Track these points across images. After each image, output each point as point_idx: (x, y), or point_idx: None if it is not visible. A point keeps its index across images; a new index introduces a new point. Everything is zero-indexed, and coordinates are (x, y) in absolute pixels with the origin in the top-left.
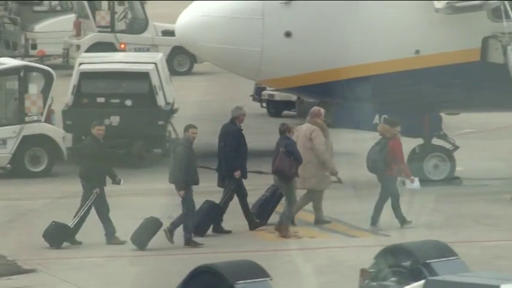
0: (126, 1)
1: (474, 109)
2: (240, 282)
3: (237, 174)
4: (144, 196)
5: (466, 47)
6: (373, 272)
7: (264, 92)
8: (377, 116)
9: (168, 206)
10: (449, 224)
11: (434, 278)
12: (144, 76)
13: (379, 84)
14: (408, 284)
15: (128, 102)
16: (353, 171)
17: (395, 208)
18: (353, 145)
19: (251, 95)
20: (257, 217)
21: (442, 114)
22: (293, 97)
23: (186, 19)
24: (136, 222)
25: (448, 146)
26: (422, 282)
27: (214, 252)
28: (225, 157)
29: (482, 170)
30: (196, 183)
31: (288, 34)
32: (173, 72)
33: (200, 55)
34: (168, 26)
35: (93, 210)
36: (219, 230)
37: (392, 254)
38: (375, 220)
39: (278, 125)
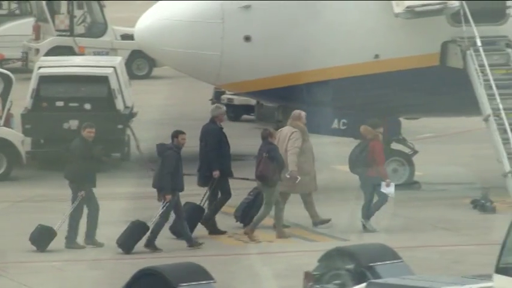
0: (85, 2)
1: (433, 114)
2: (184, 284)
3: (216, 174)
4: (105, 200)
5: (426, 52)
6: (316, 274)
7: (223, 96)
8: (336, 121)
9: (152, 208)
10: (408, 228)
11: (376, 280)
12: (103, 80)
13: (339, 88)
14: (351, 287)
15: (87, 106)
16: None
17: (364, 208)
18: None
19: (210, 99)
20: (241, 221)
21: (401, 119)
22: (252, 101)
23: (146, 23)
24: (102, 226)
25: (407, 150)
26: (364, 284)
27: (172, 256)
28: (206, 157)
29: (441, 174)
30: (183, 189)
31: (247, 38)
32: (132, 76)
33: (159, 59)
34: (127, 30)
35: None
36: (215, 232)
37: (336, 256)
38: (366, 215)
39: (237, 129)
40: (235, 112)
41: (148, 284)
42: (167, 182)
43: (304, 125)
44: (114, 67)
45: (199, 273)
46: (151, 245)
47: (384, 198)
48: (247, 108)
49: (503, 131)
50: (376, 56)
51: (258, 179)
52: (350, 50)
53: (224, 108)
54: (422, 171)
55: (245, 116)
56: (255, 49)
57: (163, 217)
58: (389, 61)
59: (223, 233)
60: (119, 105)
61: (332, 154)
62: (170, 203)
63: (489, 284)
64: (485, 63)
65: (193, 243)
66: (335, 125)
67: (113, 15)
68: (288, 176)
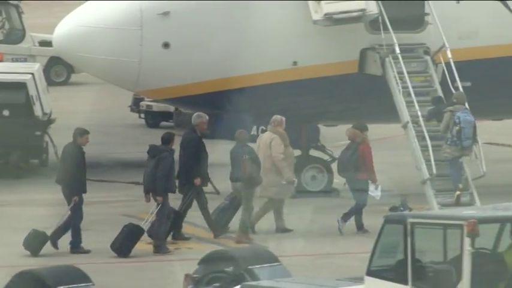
0: (3, 9)
1: (352, 121)
2: (61, 287)
3: (197, 181)
4: (24, 206)
5: (344, 59)
6: (196, 277)
7: (142, 103)
8: (255, 127)
9: (150, 211)
10: (328, 235)
11: (249, 283)
12: (21, 86)
13: (257, 95)
14: None
15: (5, 113)
16: (230, 183)
17: (353, 212)
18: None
19: (129, 106)
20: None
21: (320, 126)
22: (171, 108)
23: (64, 29)
24: (20, 232)
25: (326, 157)
26: (238, 287)
27: (91, 263)
28: (184, 165)
29: None
30: (175, 191)
31: (166, 45)
32: (50, 82)
33: (78, 66)
34: (45, 36)
35: None
36: (179, 237)
37: (216, 259)
38: (359, 224)
39: (156, 135)
40: (154, 119)
41: (26, 286)
42: (161, 184)
43: (283, 130)
44: (32, 73)
45: (78, 276)
46: (162, 249)
47: (361, 203)
48: (166, 115)
49: (421, 138)
50: (295, 63)
51: (243, 181)
52: (268, 57)
53: (206, 117)
54: (341, 178)
55: (164, 123)
56: (174, 56)
57: (163, 218)
58: (307, 68)
59: (187, 239)
60: (37, 111)
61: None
62: (164, 205)
63: (361, 286)
64: (404, 70)
65: (161, 250)
66: (254, 131)
67: (32, 21)
68: (285, 182)
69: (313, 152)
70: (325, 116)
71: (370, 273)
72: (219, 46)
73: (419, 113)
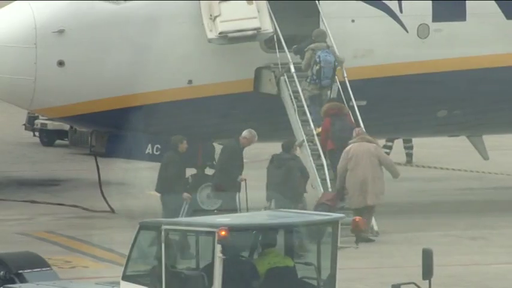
0: None
1: None
2: (25, 271)
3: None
4: None
5: (239, 78)
6: None
7: (37, 121)
8: (150, 146)
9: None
10: None
11: (10, 285)
12: None
13: (153, 113)
14: None
15: None
16: (126, 201)
17: None
18: (125, 175)
19: (23, 124)
20: None
21: (216, 144)
22: (66, 126)
23: None
24: None
25: None
26: None
27: None
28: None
29: (257, 199)
30: None
31: (60, 63)
32: None
33: None
34: None
35: None
36: None
37: None
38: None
39: (51, 153)
40: (49, 137)
41: None
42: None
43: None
44: None
45: (38, 261)
46: None
47: None
48: (61, 133)
49: (317, 157)
50: (190, 82)
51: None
52: (163, 76)
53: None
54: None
55: (59, 141)
56: (69, 74)
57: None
58: (202, 87)
59: None
60: None
61: (146, 179)
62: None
63: None
64: (299, 89)
65: None
66: (149, 150)
67: None
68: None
69: (209, 171)
70: (220, 134)
71: (126, 278)
72: (114, 64)
73: (314, 132)
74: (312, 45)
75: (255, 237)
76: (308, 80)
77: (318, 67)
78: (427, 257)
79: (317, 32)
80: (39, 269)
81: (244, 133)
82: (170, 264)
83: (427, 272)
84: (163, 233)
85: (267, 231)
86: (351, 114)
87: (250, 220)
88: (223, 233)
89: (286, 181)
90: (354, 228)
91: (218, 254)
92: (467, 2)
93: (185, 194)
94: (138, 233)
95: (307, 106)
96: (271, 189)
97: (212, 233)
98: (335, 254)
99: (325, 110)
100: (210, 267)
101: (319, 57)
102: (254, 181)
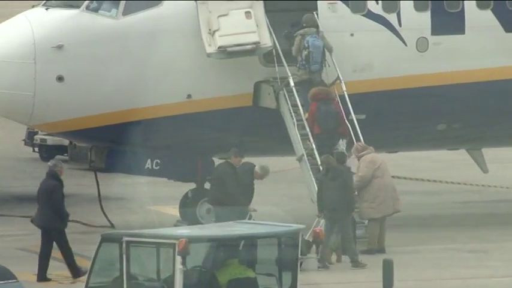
0: None
1: (248, 154)
2: None
3: None
4: None
5: (238, 92)
6: None
7: (36, 137)
8: (149, 161)
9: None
10: None
11: None
12: None
13: (152, 128)
14: None
15: None
16: (126, 216)
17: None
18: (124, 190)
19: (23, 140)
20: None
21: (215, 159)
22: (65, 141)
23: None
24: None
25: None
26: None
27: None
28: None
29: (256, 214)
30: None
31: (60, 78)
32: None
33: None
34: None
35: None
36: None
37: None
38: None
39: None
40: (49, 152)
41: None
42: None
43: None
44: None
45: (4, 273)
46: None
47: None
48: (61, 149)
49: (316, 171)
50: (189, 96)
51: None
52: (163, 90)
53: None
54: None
55: (58, 156)
56: (68, 89)
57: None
58: (202, 101)
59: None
60: None
61: (146, 194)
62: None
63: None
64: (298, 103)
65: None
66: (148, 165)
67: None
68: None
69: (208, 185)
70: (220, 149)
71: None
72: (114, 79)
73: (313, 146)
74: (301, 31)
75: (216, 248)
76: (298, 65)
77: (306, 52)
78: (388, 267)
79: (306, 18)
80: (4, 282)
81: (257, 168)
82: (131, 275)
83: (388, 283)
84: (124, 245)
85: (228, 242)
86: (338, 99)
87: (210, 232)
88: (183, 244)
89: (343, 192)
90: (314, 239)
91: (178, 266)
92: (466, 15)
93: (250, 207)
94: (100, 245)
95: (297, 91)
96: (326, 201)
97: (172, 245)
98: (296, 265)
99: (313, 94)
100: (170, 279)
101: (307, 42)
102: (254, 195)
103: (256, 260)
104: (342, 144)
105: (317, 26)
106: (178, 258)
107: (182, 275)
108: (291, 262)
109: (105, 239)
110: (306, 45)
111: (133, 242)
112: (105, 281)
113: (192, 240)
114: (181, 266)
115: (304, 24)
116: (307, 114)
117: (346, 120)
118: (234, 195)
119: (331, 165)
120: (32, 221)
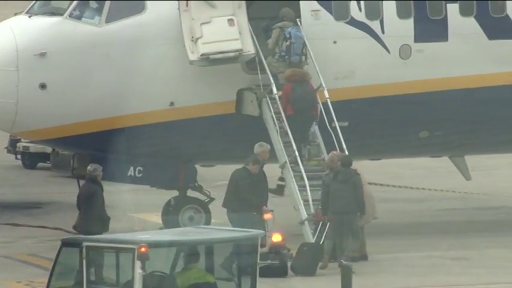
0: None
1: (230, 161)
2: None
3: None
4: None
5: (221, 99)
6: None
7: (19, 144)
8: (132, 168)
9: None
10: None
11: None
12: None
13: (134, 136)
14: None
15: None
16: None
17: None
18: (107, 197)
19: (5, 147)
20: None
21: (197, 166)
22: (48, 149)
23: None
24: None
25: (203, 197)
26: None
27: None
28: None
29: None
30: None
31: (42, 86)
32: None
33: None
34: None
35: None
36: None
37: None
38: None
39: (33, 176)
40: (31, 160)
41: None
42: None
43: None
44: None
45: None
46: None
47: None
48: (43, 156)
49: (299, 178)
50: (172, 104)
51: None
52: (145, 98)
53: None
54: (219, 219)
55: (41, 164)
56: (50, 97)
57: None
58: (184, 109)
59: None
60: None
61: (129, 202)
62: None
63: None
64: (281, 110)
65: None
66: (131, 172)
67: None
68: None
69: (191, 193)
70: (202, 156)
71: None
72: (96, 87)
73: (296, 153)
74: (280, 24)
75: (175, 253)
76: (276, 57)
77: (288, 43)
78: (346, 273)
79: (285, 12)
80: None
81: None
82: (91, 280)
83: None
84: (84, 249)
85: (187, 247)
86: (312, 82)
87: (169, 237)
88: (142, 249)
89: (354, 194)
90: (272, 245)
91: (138, 270)
92: (449, 22)
93: (265, 208)
94: (60, 249)
95: (273, 81)
96: (335, 203)
97: (132, 250)
98: (255, 270)
99: (288, 75)
100: (130, 284)
101: (289, 33)
102: None
103: (215, 265)
104: (314, 128)
105: (295, 21)
106: (138, 263)
107: (141, 279)
108: (251, 267)
109: (66, 244)
110: (288, 35)
111: (93, 247)
112: (66, 285)
113: (151, 245)
114: (140, 271)
115: (284, 18)
116: (279, 92)
117: (319, 102)
118: (249, 200)
119: (339, 169)
120: (74, 228)
